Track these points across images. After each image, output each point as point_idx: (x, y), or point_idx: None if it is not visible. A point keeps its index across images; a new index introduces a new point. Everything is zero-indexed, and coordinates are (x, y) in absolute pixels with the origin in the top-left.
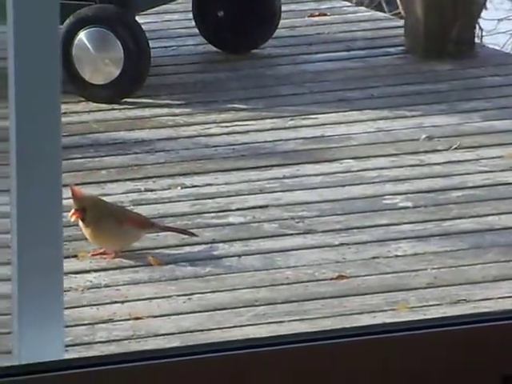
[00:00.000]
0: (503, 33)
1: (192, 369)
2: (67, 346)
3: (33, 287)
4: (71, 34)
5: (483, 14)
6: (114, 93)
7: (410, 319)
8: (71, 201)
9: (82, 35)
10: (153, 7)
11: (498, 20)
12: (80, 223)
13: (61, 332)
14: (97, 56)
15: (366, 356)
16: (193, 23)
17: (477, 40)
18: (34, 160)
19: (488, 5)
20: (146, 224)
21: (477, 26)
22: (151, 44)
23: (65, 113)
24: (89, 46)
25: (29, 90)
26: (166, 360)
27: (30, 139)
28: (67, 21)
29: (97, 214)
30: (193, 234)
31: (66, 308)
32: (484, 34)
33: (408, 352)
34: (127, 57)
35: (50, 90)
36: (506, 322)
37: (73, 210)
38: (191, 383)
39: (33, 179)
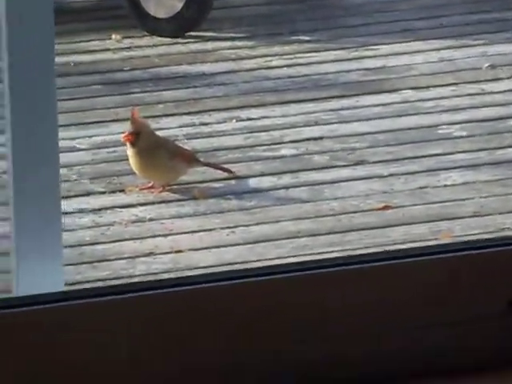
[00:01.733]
0: None
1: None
2: (105, 279)
3: (30, 214)
4: None
5: None
6: (177, 26)
7: None
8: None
9: None
10: None
11: None
12: (129, 151)
13: (59, 268)
14: None
15: (366, 284)
16: None
17: None
18: (27, 88)
19: None
20: (193, 159)
21: None
22: None
23: (129, 47)
24: None
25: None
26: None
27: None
28: None
29: (150, 143)
30: (230, 172)
31: (108, 242)
32: None
33: (418, 277)
34: None
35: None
36: None
37: (126, 132)
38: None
39: (26, 100)
